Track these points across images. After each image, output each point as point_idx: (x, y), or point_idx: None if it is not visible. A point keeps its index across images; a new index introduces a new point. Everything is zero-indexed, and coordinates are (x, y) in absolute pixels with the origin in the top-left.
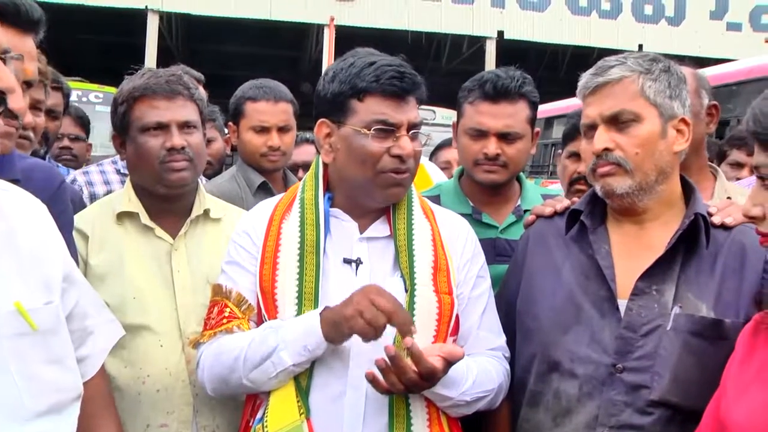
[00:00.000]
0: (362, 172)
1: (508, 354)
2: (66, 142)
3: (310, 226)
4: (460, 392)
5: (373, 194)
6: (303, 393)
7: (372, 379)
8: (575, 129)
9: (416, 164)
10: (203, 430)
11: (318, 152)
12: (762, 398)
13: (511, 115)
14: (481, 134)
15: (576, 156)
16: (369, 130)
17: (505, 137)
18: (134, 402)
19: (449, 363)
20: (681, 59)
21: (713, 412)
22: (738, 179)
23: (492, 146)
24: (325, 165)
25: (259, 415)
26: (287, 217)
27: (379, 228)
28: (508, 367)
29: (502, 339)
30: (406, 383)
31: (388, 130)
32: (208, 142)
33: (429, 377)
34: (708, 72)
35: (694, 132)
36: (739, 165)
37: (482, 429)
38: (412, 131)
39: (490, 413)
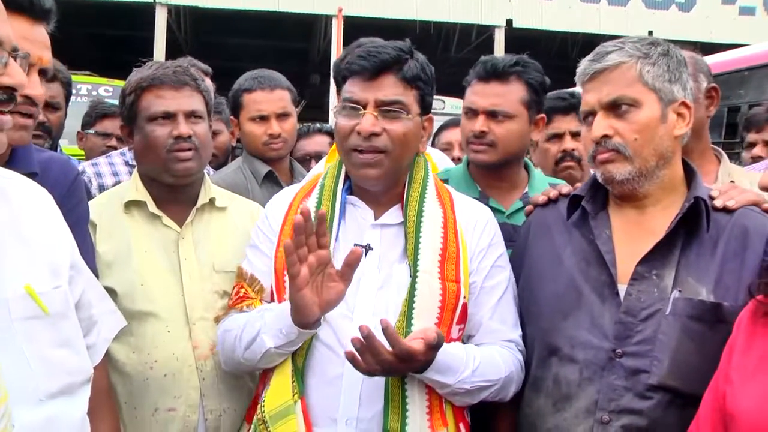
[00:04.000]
0: (342, 150)
1: (522, 348)
2: (113, 142)
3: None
4: (458, 380)
5: (353, 175)
6: (298, 373)
7: (351, 359)
8: (551, 110)
9: (393, 145)
10: (210, 414)
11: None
12: None
13: (500, 95)
14: (472, 113)
15: (556, 137)
16: (343, 110)
17: (493, 116)
18: (142, 387)
19: (432, 347)
20: (693, 45)
21: (712, 402)
22: (752, 158)
23: (478, 123)
24: None
25: (263, 393)
26: (305, 202)
27: (393, 215)
28: (521, 359)
29: (516, 332)
30: (382, 364)
31: (353, 107)
32: (214, 134)
33: (406, 359)
34: (720, 58)
35: (694, 116)
36: (751, 145)
37: (487, 415)
38: (385, 109)
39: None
